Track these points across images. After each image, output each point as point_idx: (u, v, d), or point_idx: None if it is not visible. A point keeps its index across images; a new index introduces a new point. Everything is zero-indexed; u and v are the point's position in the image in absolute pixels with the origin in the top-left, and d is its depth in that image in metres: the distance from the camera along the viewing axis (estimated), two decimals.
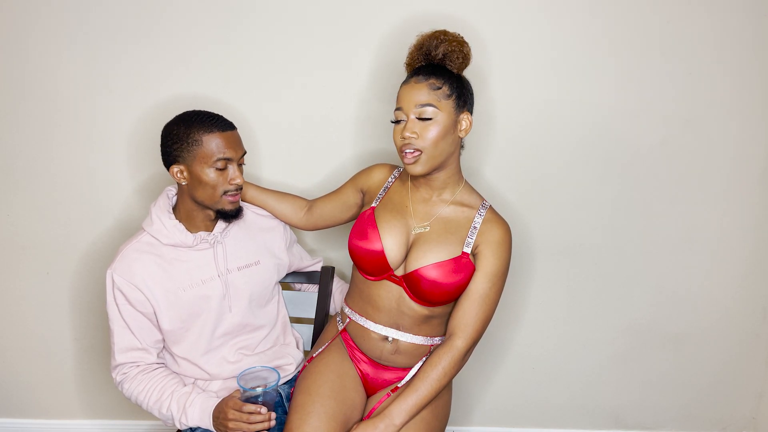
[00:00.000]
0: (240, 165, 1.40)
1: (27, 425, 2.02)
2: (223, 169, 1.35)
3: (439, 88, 1.27)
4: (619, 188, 1.80)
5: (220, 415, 1.31)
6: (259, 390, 1.30)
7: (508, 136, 1.75)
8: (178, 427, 1.39)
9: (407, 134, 1.27)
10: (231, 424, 1.27)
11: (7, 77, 1.69)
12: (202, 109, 1.42)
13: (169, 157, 1.37)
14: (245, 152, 1.41)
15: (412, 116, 1.27)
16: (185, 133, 1.34)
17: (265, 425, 1.27)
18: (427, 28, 1.36)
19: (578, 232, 1.85)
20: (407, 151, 1.29)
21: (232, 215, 1.43)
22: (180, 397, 1.37)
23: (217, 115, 1.38)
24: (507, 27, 1.68)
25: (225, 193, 1.37)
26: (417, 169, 1.30)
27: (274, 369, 1.37)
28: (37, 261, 1.85)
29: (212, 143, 1.33)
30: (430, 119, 1.26)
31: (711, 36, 1.68)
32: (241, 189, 1.42)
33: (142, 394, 1.38)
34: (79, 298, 1.89)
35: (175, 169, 1.36)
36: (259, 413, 1.27)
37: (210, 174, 1.35)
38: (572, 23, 1.67)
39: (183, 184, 1.38)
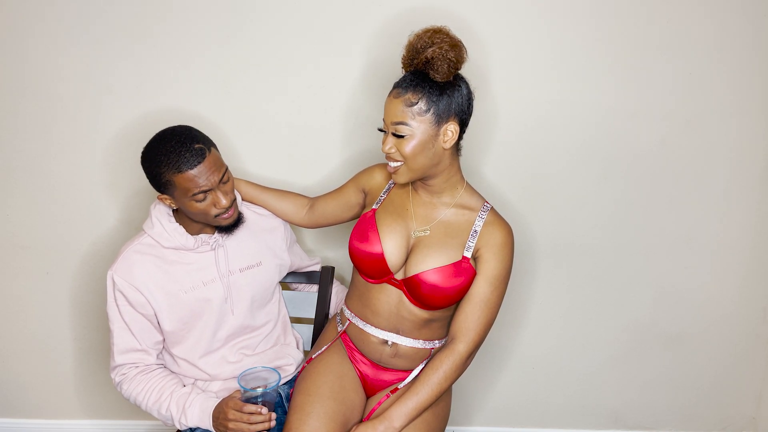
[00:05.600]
0: (224, 184, 1.34)
1: (26, 425, 2.02)
2: (204, 199, 1.32)
3: (415, 104, 1.23)
4: (619, 188, 1.80)
5: (220, 415, 1.30)
6: (260, 390, 1.30)
7: (508, 135, 1.75)
8: (178, 427, 1.39)
9: (386, 148, 1.28)
10: (231, 425, 1.27)
11: (8, 77, 1.69)
12: (186, 123, 1.37)
13: (153, 186, 1.35)
14: (226, 170, 1.35)
15: (391, 131, 1.27)
16: (157, 173, 1.30)
17: (266, 426, 1.27)
18: (426, 24, 1.30)
19: (578, 231, 1.84)
20: (389, 163, 1.31)
21: (231, 228, 1.42)
22: (179, 398, 1.37)
23: (185, 144, 1.28)
24: (507, 26, 1.67)
25: (216, 216, 1.36)
26: (399, 179, 1.31)
27: (275, 369, 1.37)
28: (37, 261, 1.85)
29: (185, 182, 1.28)
30: (403, 136, 1.25)
31: (711, 36, 1.68)
32: (234, 202, 1.39)
33: (141, 395, 1.38)
34: (79, 298, 1.89)
35: (162, 197, 1.35)
36: (260, 413, 1.26)
37: (195, 205, 1.32)
38: (572, 22, 1.67)
39: (173, 208, 1.37)
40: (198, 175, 1.28)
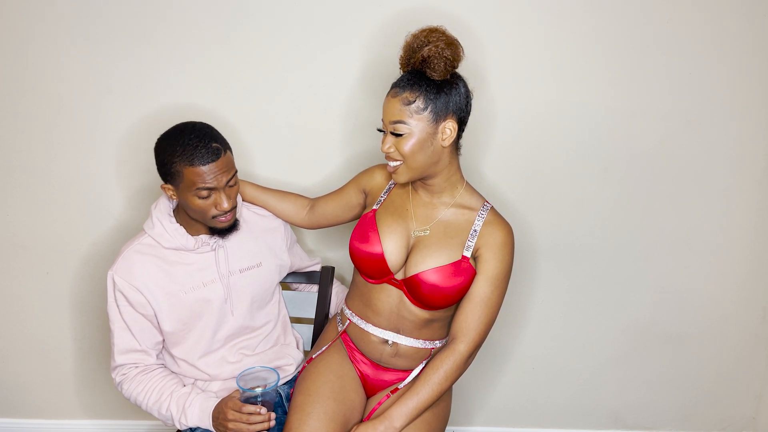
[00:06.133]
0: (229, 187, 1.35)
1: (26, 425, 2.02)
2: (208, 197, 1.33)
3: (412, 102, 1.24)
4: (619, 188, 1.80)
5: (219, 415, 1.31)
6: (259, 390, 1.30)
7: (508, 135, 1.75)
8: (178, 427, 1.39)
9: (385, 148, 1.28)
10: (231, 425, 1.27)
11: (8, 77, 1.69)
12: (195, 120, 1.38)
13: (160, 174, 1.35)
14: (235, 173, 1.36)
15: (389, 131, 1.28)
16: (169, 161, 1.30)
17: (265, 425, 1.27)
18: (426, 25, 1.30)
19: (578, 231, 1.84)
20: (389, 162, 1.31)
21: (225, 232, 1.41)
22: (179, 398, 1.37)
23: (204, 140, 1.30)
24: (506, 26, 1.67)
25: (214, 217, 1.36)
26: (399, 179, 1.31)
27: (274, 369, 1.37)
28: (37, 261, 1.85)
29: (193, 176, 1.29)
30: (402, 135, 1.26)
31: (711, 36, 1.68)
32: (234, 209, 1.39)
33: (142, 395, 1.38)
34: (78, 299, 1.89)
35: (165, 186, 1.36)
36: (259, 414, 1.26)
37: (196, 201, 1.32)
38: (572, 22, 1.67)
39: (174, 200, 1.38)
40: (208, 172, 1.29)
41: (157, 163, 1.34)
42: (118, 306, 1.38)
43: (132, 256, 1.38)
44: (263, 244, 1.51)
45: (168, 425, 1.41)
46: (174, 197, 1.36)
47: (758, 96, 1.73)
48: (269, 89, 1.71)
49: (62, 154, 1.75)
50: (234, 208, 1.38)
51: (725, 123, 1.75)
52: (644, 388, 2.00)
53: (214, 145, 1.31)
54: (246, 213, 1.52)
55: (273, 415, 1.29)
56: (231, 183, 1.35)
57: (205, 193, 1.31)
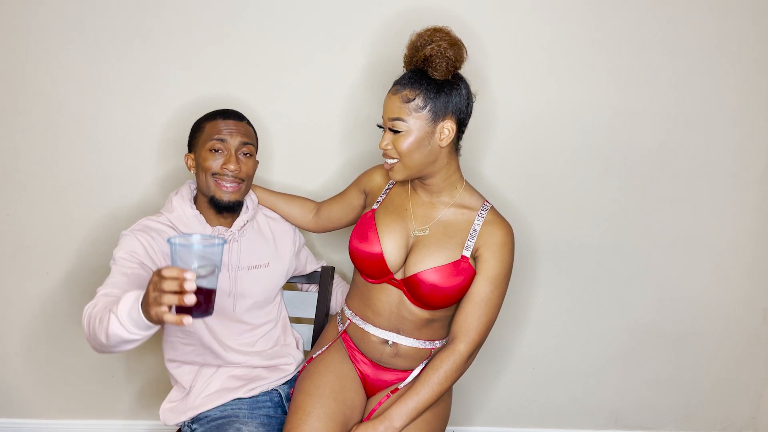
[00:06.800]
0: (242, 155, 1.41)
1: (26, 425, 2.02)
2: (218, 153, 1.38)
3: (411, 101, 1.25)
4: (619, 188, 1.80)
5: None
6: (193, 239, 0.97)
7: (508, 135, 1.75)
8: (112, 327, 1.05)
9: (383, 144, 1.29)
10: (151, 296, 0.97)
11: (9, 77, 1.69)
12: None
13: (189, 142, 1.46)
14: (248, 143, 1.42)
15: (388, 127, 1.29)
16: (196, 124, 1.44)
17: (190, 300, 0.92)
18: (426, 25, 1.30)
19: (579, 232, 1.85)
20: (386, 160, 1.32)
21: (223, 206, 1.41)
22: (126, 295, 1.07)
23: (233, 111, 1.45)
24: (507, 27, 1.67)
25: (214, 174, 1.39)
26: (396, 176, 1.32)
27: (221, 237, 1.09)
28: (37, 261, 1.85)
29: (211, 128, 1.40)
30: (400, 132, 1.26)
31: (711, 36, 1.68)
32: (241, 182, 1.41)
33: (98, 314, 1.11)
34: (79, 299, 1.88)
35: (187, 155, 1.44)
36: (176, 278, 0.92)
37: (206, 157, 1.39)
38: (572, 23, 1.67)
39: (192, 171, 1.44)
40: (225, 126, 1.40)
41: (189, 133, 1.46)
42: (119, 257, 1.27)
43: (150, 223, 1.39)
44: (272, 247, 1.53)
45: (107, 342, 1.07)
46: (192, 168, 1.43)
47: (758, 95, 1.73)
48: (269, 90, 1.72)
49: (62, 154, 1.75)
50: (242, 182, 1.42)
51: (725, 123, 1.75)
52: (644, 388, 2.00)
53: (239, 114, 1.45)
54: (258, 215, 1.54)
55: (191, 285, 0.92)
56: (245, 151, 1.42)
57: (218, 145, 1.38)
